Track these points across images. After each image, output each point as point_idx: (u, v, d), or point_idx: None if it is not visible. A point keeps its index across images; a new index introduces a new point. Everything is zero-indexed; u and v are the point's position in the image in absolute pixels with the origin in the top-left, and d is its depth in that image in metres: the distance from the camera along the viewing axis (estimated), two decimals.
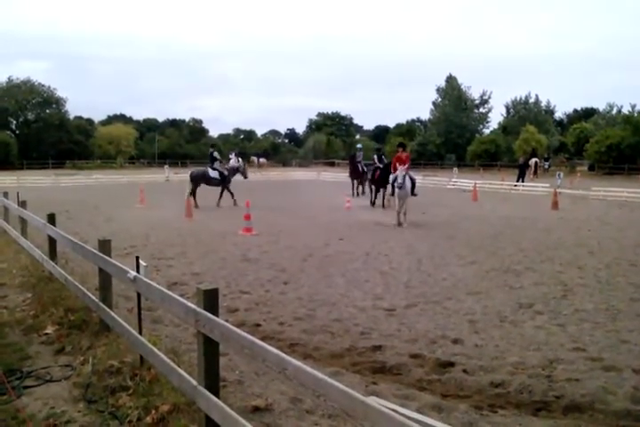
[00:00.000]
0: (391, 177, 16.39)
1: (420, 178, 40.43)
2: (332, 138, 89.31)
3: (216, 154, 22.25)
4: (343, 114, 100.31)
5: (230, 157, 23.50)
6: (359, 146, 28.39)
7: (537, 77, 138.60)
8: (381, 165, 21.26)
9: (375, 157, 22.98)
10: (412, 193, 16.02)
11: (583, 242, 12.96)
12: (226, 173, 21.79)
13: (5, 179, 33.80)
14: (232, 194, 21.35)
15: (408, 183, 15.68)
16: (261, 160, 72.73)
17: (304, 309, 7.34)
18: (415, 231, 14.62)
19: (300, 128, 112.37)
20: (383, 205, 20.76)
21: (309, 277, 9.25)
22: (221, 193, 21.50)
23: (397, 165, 16.05)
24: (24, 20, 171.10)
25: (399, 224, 15.48)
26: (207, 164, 22.60)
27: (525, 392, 4.75)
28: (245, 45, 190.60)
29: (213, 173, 21.50)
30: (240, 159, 23.13)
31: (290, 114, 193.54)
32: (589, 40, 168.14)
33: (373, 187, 21.94)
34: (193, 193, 20.94)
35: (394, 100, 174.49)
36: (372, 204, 21.74)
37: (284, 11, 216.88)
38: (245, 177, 23.33)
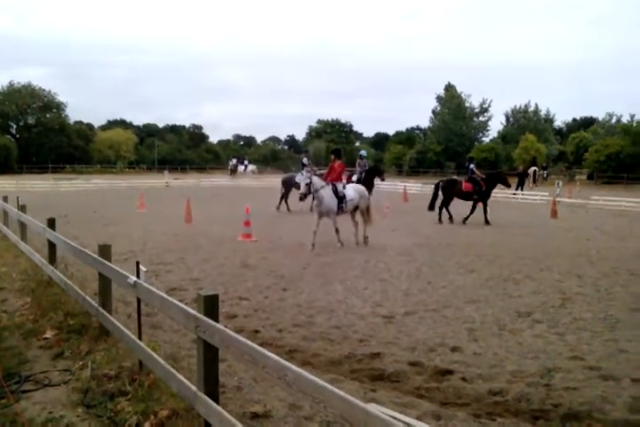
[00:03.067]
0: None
1: (419, 186, 40.79)
2: (331, 145, 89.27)
3: (305, 160, 22.71)
4: (343, 121, 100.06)
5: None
6: (363, 152, 24.39)
7: (537, 86, 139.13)
8: (473, 176, 19.24)
9: (472, 166, 19.89)
10: (339, 209, 13.11)
11: (582, 251, 12.98)
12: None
13: (5, 183, 33.79)
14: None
15: (328, 198, 12.93)
16: (250, 167, 51.59)
17: (303, 315, 7.34)
18: (414, 239, 14.63)
19: (300, 135, 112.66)
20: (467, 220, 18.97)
21: (308, 284, 9.24)
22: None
23: (329, 176, 13.54)
24: (25, 26, 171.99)
25: (313, 246, 12.57)
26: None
27: (523, 401, 4.74)
28: (246, 52, 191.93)
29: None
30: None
31: (290, 121, 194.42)
32: (589, 49, 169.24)
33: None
34: (285, 197, 21.76)
35: (394, 107, 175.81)
36: (450, 219, 19.20)
37: (285, 18, 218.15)
38: None
